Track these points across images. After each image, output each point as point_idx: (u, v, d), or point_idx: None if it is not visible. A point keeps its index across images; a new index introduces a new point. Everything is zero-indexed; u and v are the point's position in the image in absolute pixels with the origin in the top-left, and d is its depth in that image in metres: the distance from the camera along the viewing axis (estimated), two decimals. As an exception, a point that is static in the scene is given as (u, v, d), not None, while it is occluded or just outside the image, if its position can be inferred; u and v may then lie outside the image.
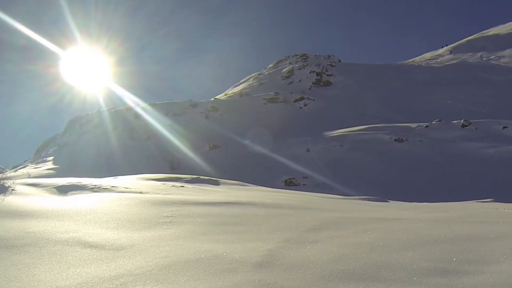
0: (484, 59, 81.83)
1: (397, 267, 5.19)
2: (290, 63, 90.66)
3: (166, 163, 43.03)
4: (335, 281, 4.89)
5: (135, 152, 48.27)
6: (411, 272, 5.02)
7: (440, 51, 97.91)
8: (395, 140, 40.42)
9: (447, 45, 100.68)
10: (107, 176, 20.00)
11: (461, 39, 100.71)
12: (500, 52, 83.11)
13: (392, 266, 5.24)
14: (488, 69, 74.81)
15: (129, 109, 60.78)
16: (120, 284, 4.87)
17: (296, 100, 68.52)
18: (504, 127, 40.76)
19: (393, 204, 16.19)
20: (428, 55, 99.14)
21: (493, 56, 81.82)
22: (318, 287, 4.73)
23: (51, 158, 51.90)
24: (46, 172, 40.74)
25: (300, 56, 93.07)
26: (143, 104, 62.35)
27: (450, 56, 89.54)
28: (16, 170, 46.29)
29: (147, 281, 4.96)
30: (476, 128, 41.33)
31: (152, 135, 52.63)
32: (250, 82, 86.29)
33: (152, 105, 62.12)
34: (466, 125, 42.38)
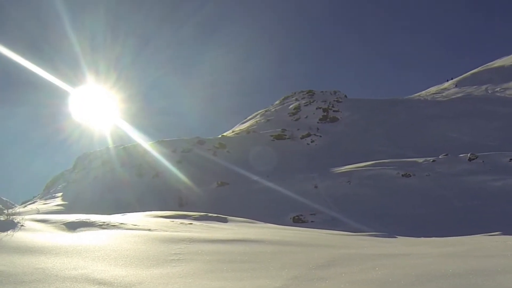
0: (490, 92, 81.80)
1: (405, 303, 5.18)
2: (296, 99, 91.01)
3: (174, 200, 43.00)
4: (343, 317, 4.90)
5: (143, 189, 48.31)
6: (419, 308, 5.01)
7: (446, 84, 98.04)
8: (402, 175, 40.33)
9: (452, 79, 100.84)
10: (115, 213, 20.01)
11: (466, 72, 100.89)
12: (505, 84, 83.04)
13: (400, 302, 5.24)
14: (494, 102, 74.73)
15: (137, 146, 61.00)
16: (129, 322, 4.89)
17: (303, 137, 68.60)
18: (511, 159, 40.61)
19: (401, 239, 16.10)
20: (433, 89, 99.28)
21: (498, 88, 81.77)
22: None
23: (60, 194, 52.04)
24: (55, 208, 40.82)
25: (307, 93, 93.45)
26: (151, 141, 62.62)
27: (456, 89, 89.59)
28: (25, 206, 46.55)
29: (156, 319, 4.98)
30: (483, 162, 41.18)
31: (160, 172, 52.75)
32: (257, 119, 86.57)
33: (160, 142, 62.37)
34: (473, 159, 42.24)
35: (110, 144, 64.54)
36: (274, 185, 42.75)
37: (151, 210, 22.78)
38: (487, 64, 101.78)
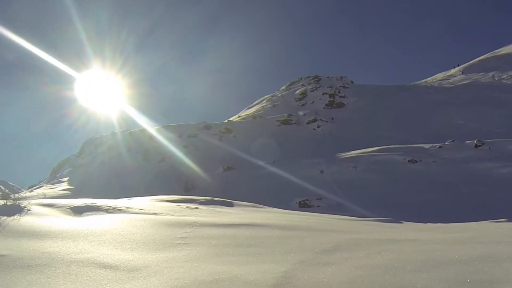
0: (496, 79, 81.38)
1: (411, 289, 5.18)
2: (303, 85, 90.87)
3: (180, 185, 43.08)
4: (349, 302, 4.89)
5: (149, 174, 48.46)
6: (425, 294, 5.00)
7: (452, 71, 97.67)
8: (408, 161, 40.22)
9: (458, 65, 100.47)
10: (122, 197, 20.07)
11: (472, 59, 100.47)
12: None
13: (406, 287, 5.23)
14: (501, 89, 74.41)
15: (143, 131, 61.09)
16: (136, 305, 4.90)
17: (309, 122, 68.54)
18: (517, 147, 40.48)
19: (406, 225, 16.09)
20: (440, 75, 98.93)
21: (505, 76, 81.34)
22: (332, 308, 4.73)
23: (66, 178, 52.25)
24: (61, 193, 40.98)
25: (313, 78, 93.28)
26: (157, 126, 62.67)
27: (462, 76, 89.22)
28: (32, 190, 46.79)
29: (162, 302, 4.98)
30: (489, 148, 41.01)
31: (166, 156, 52.85)
32: (263, 104, 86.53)
33: (166, 127, 62.42)
34: (479, 145, 42.07)
35: (117, 129, 64.74)
36: (280, 170, 42.76)
37: (157, 195, 22.84)
38: (494, 51, 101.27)
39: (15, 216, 10.06)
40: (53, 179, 56.44)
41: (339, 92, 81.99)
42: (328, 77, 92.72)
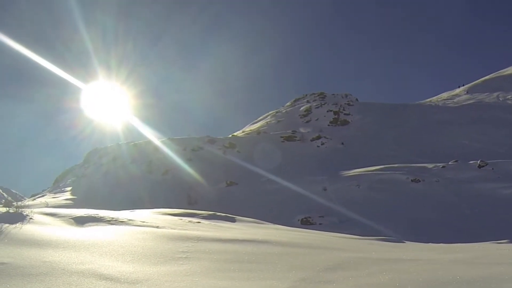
0: (501, 99, 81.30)
1: (412, 309, 5.16)
2: (307, 101, 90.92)
3: (183, 198, 43.07)
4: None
5: (153, 186, 48.46)
6: (426, 314, 4.99)
7: (457, 91, 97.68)
8: (411, 180, 40.17)
9: (463, 85, 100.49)
10: (125, 209, 20.07)
11: (477, 79, 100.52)
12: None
13: (407, 307, 5.22)
14: (505, 109, 74.33)
15: (148, 142, 61.17)
16: (136, 318, 4.89)
17: (313, 139, 68.46)
18: (521, 167, 40.38)
19: (409, 244, 16.05)
20: (445, 95, 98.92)
21: (509, 96, 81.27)
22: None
23: (69, 188, 52.25)
24: (64, 202, 40.99)
25: (318, 95, 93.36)
26: (162, 138, 62.77)
27: (467, 96, 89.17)
28: (35, 199, 46.76)
29: (162, 316, 4.98)
30: (492, 169, 40.94)
31: (170, 169, 52.86)
32: (268, 120, 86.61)
33: (171, 139, 62.52)
34: (483, 166, 42.02)
35: (122, 140, 64.85)
36: (283, 187, 42.74)
37: (160, 207, 22.84)
38: (499, 71, 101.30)
39: (17, 224, 10.07)
40: (56, 188, 56.44)
41: (343, 110, 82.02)
42: (333, 94, 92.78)
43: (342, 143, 67.11)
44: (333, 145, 66.37)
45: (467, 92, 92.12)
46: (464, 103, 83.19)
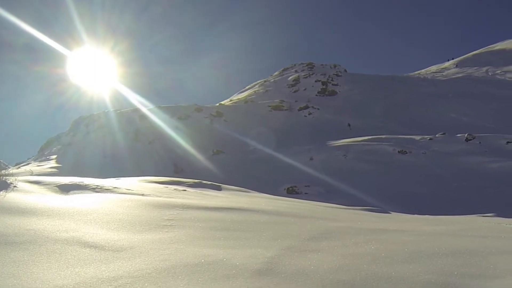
0: (490, 74, 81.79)
1: (398, 279, 5.15)
2: (296, 71, 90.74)
3: (170, 166, 43.04)
4: (335, 291, 4.85)
5: (140, 154, 48.34)
6: (412, 285, 4.97)
7: (446, 64, 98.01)
8: (398, 151, 40.31)
9: (453, 59, 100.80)
10: (111, 177, 19.97)
11: (467, 53, 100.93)
12: (505, 67, 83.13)
13: (393, 278, 5.20)
14: (494, 84, 74.77)
15: (135, 110, 60.86)
16: (119, 286, 4.84)
17: (300, 109, 68.44)
18: (508, 142, 40.54)
19: (394, 215, 16.12)
20: (433, 68, 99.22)
21: (498, 71, 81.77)
22: (318, 296, 4.69)
23: (54, 156, 51.98)
24: (49, 171, 40.78)
25: (306, 65, 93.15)
26: (149, 106, 62.46)
27: (456, 69, 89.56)
28: (19, 167, 46.43)
29: (146, 284, 4.93)
30: (479, 143, 41.15)
31: (157, 137, 52.68)
32: (256, 89, 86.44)
33: (158, 107, 62.23)
34: (470, 139, 42.20)
35: (109, 108, 64.41)
36: (269, 156, 42.79)
37: (146, 176, 22.77)
38: (488, 46, 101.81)
39: (1, 192, 9.96)
40: (41, 156, 56.10)
41: (332, 80, 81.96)
42: (321, 65, 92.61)
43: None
44: (320, 115, 66.38)
45: (456, 66, 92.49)
46: (453, 77, 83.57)
